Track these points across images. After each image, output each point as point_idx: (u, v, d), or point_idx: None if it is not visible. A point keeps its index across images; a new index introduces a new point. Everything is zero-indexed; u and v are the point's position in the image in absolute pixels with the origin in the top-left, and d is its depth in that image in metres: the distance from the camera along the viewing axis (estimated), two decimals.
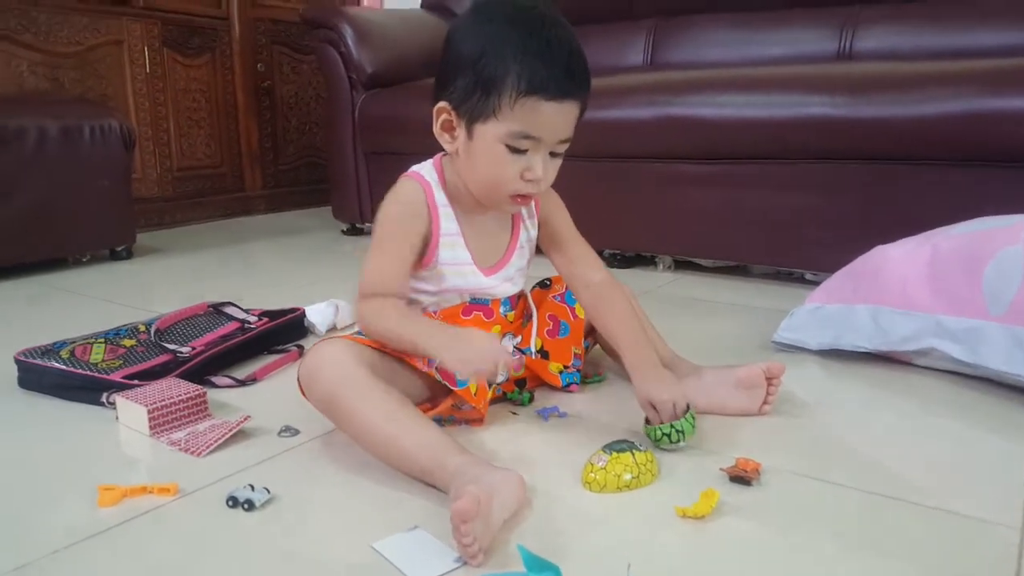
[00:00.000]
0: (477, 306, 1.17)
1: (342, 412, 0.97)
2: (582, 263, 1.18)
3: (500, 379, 1.09)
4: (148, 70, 2.89)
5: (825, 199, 1.85)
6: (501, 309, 1.19)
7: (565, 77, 0.97)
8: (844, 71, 1.92)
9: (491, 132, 0.99)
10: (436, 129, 1.05)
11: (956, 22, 2.13)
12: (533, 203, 1.18)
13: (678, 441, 1.01)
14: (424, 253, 1.10)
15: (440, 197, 1.10)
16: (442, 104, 1.03)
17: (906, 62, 1.89)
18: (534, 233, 1.20)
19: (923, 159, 1.71)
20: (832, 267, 1.50)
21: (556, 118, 0.99)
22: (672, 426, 1.01)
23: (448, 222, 1.10)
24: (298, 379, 1.03)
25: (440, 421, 1.08)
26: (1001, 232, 1.26)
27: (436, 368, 1.04)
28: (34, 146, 2.12)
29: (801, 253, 1.91)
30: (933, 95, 1.67)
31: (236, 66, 3.22)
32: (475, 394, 1.08)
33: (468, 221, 1.11)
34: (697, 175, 2.01)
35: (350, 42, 2.59)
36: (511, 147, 0.99)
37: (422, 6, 3.09)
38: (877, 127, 1.72)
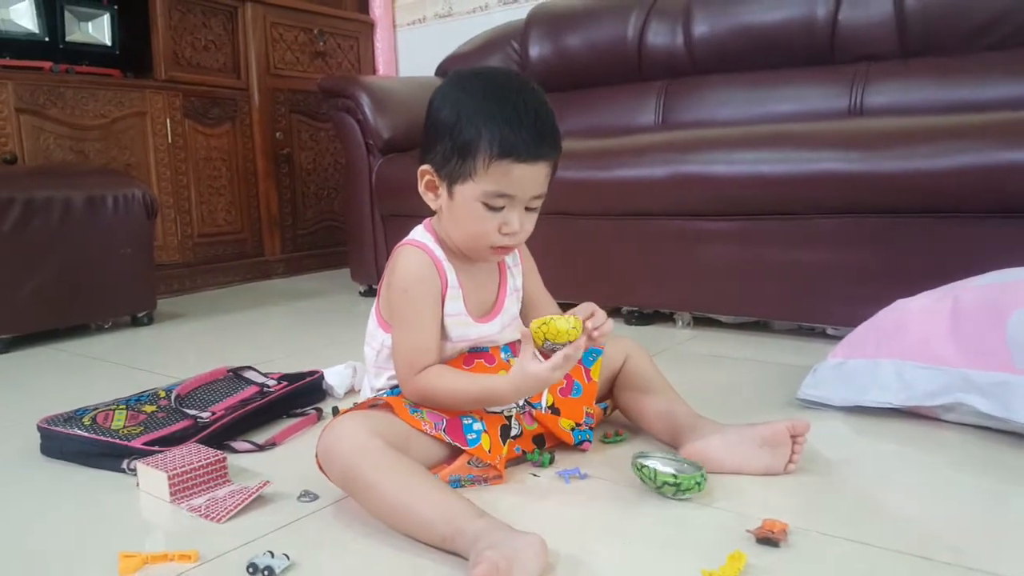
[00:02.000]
0: (477, 354, 1.20)
1: (359, 486, 0.97)
2: (543, 310, 1.27)
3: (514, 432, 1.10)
4: (170, 140, 2.96)
5: (843, 254, 1.84)
6: (502, 355, 1.22)
7: (533, 140, 1.05)
8: (856, 126, 1.93)
9: (469, 192, 1.08)
10: (421, 189, 1.15)
11: (962, 76, 2.15)
12: (517, 253, 1.27)
13: (675, 494, 1.03)
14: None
15: (440, 253, 1.16)
16: (425, 167, 1.13)
17: (917, 116, 1.91)
18: (519, 280, 1.27)
19: (940, 212, 1.71)
20: (853, 321, 1.49)
21: (527, 178, 1.07)
22: (676, 480, 1.02)
23: (451, 275, 1.16)
24: (316, 456, 1.04)
25: (459, 482, 1.08)
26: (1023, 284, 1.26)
27: (444, 431, 1.08)
28: (60, 216, 2.16)
29: (821, 308, 1.90)
30: (947, 148, 1.68)
31: (255, 134, 3.29)
32: (489, 451, 1.09)
33: (463, 272, 1.18)
34: (714, 232, 2.02)
35: (367, 109, 2.65)
36: (488, 205, 1.08)
37: (436, 73, 3.16)
38: (892, 181, 1.73)
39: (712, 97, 2.58)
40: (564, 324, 1.02)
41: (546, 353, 1.04)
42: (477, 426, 1.10)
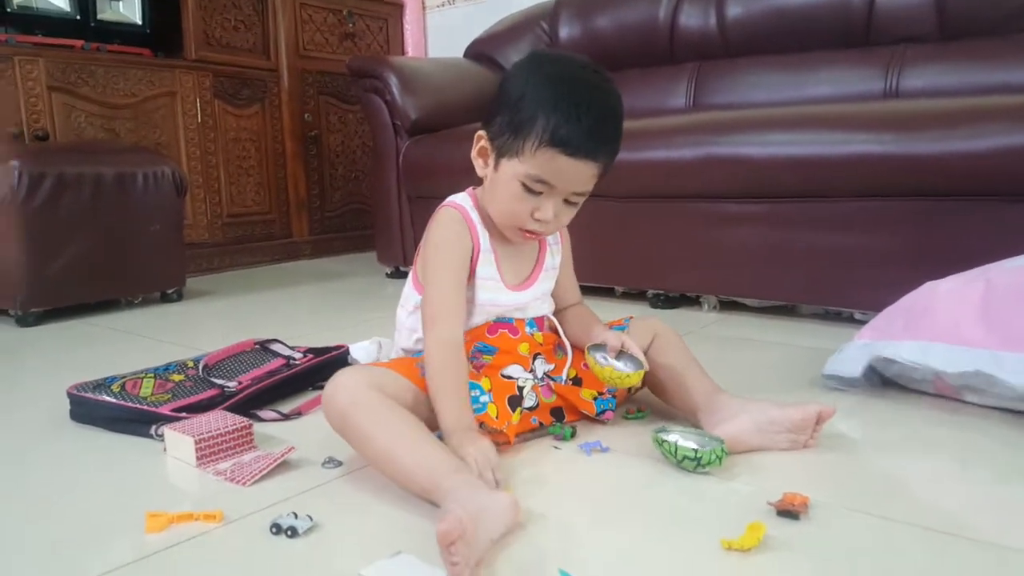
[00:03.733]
0: (503, 324, 1.21)
1: (353, 434, 1.01)
2: (569, 293, 1.33)
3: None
4: (200, 120, 2.99)
5: (874, 237, 1.82)
6: (527, 328, 1.23)
7: (586, 138, 1.05)
8: (889, 108, 1.90)
9: (513, 169, 1.09)
10: (473, 153, 1.16)
11: (1002, 59, 2.11)
12: (558, 233, 1.28)
13: (696, 468, 1.03)
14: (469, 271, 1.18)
15: (476, 218, 1.19)
16: (481, 132, 1.15)
17: (954, 98, 1.87)
18: (558, 260, 1.29)
19: (973, 195, 1.69)
20: (881, 306, 1.46)
21: (571, 171, 1.07)
22: (697, 454, 1.02)
23: (484, 240, 1.18)
24: (323, 410, 1.06)
25: None
26: None
27: None
28: (91, 192, 2.19)
29: (850, 292, 1.88)
30: (983, 130, 1.65)
31: (284, 116, 3.30)
32: (496, 417, 1.10)
33: (498, 240, 1.20)
34: (742, 214, 2.00)
35: (395, 90, 2.65)
36: (527, 187, 1.09)
37: (465, 55, 3.15)
38: (925, 164, 1.70)
39: (744, 80, 2.56)
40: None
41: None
42: (484, 397, 1.12)
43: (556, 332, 1.28)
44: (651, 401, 1.31)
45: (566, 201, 1.12)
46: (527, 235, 1.16)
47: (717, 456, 1.03)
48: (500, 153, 1.11)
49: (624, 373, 1.16)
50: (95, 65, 2.68)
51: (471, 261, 1.17)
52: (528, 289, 1.23)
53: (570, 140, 1.04)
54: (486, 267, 1.18)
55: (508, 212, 1.13)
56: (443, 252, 1.16)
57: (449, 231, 1.17)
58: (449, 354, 1.09)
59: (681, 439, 1.07)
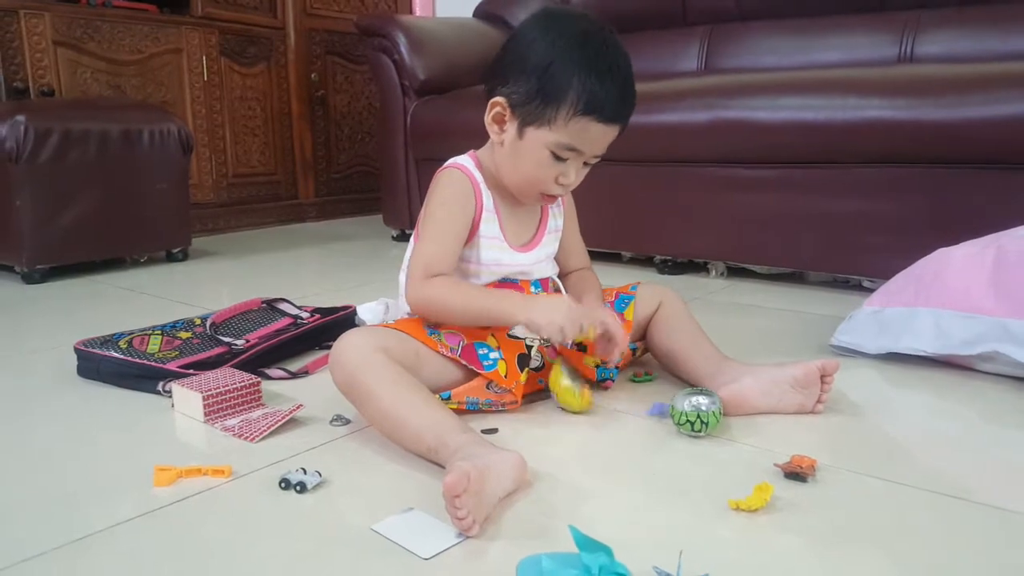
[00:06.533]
0: (508, 284, 1.21)
1: (359, 395, 1.00)
2: (574, 257, 1.33)
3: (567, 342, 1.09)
4: (206, 78, 2.96)
5: (885, 204, 1.80)
6: (532, 289, 1.23)
7: (619, 103, 1.06)
8: (904, 73, 1.88)
9: (542, 138, 1.08)
10: (487, 119, 1.13)
11: (1018, 25, 2.08)
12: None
13: (700, 431, 1.02)
14: (470, 230, 1.17)
15: (479, 177, 1.18)
16: (499, 99, 1.11)
17: (969, 64, 1.85)
18: (561, 222, 1.29)
19: (986, 162, 1.67)
20: (891, 274, 1.45)
21: (601, 137, 1.08)
22: (699, 416, 1.02)
23: (487, 199, 1.18)
24: (330, 369, 1.06)
25: (477, 405, 1.10)
26: None
27: (460, 354, 1.09)
28: (97, 149, 2.18)
29: (859, 260, 1.87)
30: (998, 97, 1.62)
31: (291, 75, 3.27)
32: (505, 376, 1.10)
33: (501, 200, 1.20)
34: (752, 180, 1.98)
35: (403, 49, 2.62)
36: (556, 155, 1.08)
37: (474, 15, 3.11)
38: (938, 130, 1.68)
39: (757, 44, 2.53)
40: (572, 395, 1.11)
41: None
42: (494, 355, 1.11)
43: (560, 294, 1.28)
44: (659, 366, 1.30)
45: (585, 163, 1.12)
46: (546, 198, 1.17)
47: (714, 414, 1.02)
48: (526, 121, 1.08)
49: (574, 395, 1.11)
50: (101, 20, 2.65)
51: (474, 220, 1.16)
52: (532, 251, 1.23)
53: (604, 106, 1.04)
54: (490, 225, 1.18)
55: (532, 178, 1.12)
56: (447, 208, 1.15)
57: (454, 189, 1.16)
58: (454, 281, 1.13)
59: (680, 403, 1.06)
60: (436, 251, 1.13)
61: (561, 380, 1.11)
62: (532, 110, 1.07)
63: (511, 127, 1.11)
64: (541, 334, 1.05)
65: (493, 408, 1.11)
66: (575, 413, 1.12)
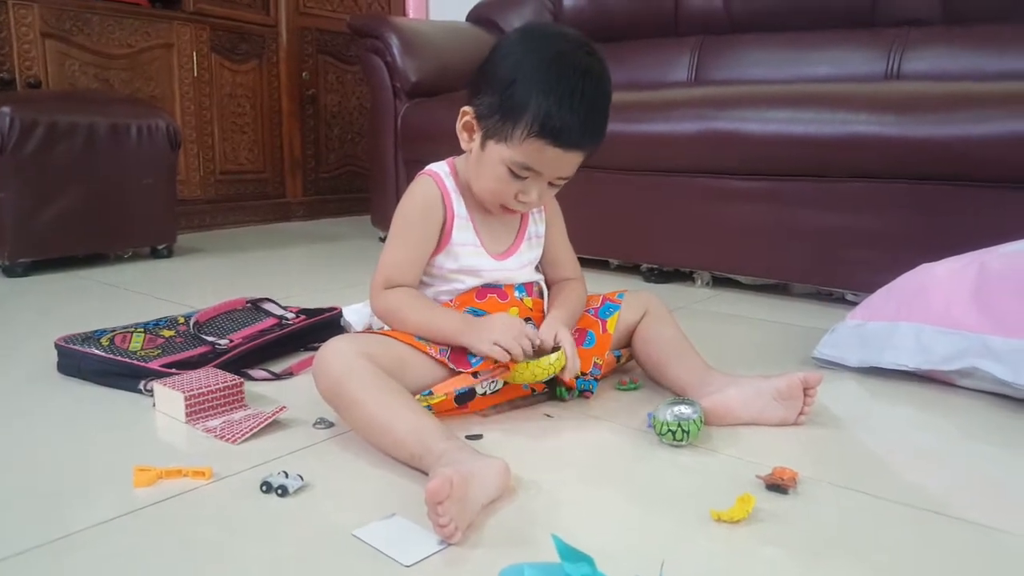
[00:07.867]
0: (491, 289, 1.22)
1: (344, 402, 1.00)
2: (559, 267, 1.31)
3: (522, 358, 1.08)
4: (195, 74, 2.95)
5: (870, 219, 1.82)
6: (516, 293, 1.23)
7: (577, 130, 1.05)
8: (893, 89, 1.89)
9: (499, 153, 1.08)
10: (458, 126, 1.15)
11: (1004, 46, 2.10)
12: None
13: (681, 440, 1.02)
14: (441, 238, 1.17)
15: (452, 185, 1.19)
16: (468, 108, 1.13)
17: (955, 83, 1.87)
18: (542, 228, 1.28)
19: (971, 180, 1.68)
20: (875, 288, 1.46)
21: (558, 160, 1.07)
22: (679, 425, 1.02)
23: (459, 207, 1.18)
24: (313, 376, 1.05)
25: (472, 393, 1.10)
26: None
27: (448, 357, 1.09)
28: (83, 142, 2.16)
29: (844, 273, 1.88)
30: (984, 115, 1.64)
31: (282, 73, 3.27)
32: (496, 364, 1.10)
33: (476, 209, 1.20)
34: (739, 191, 1.99)
35: (395, 51, 2.62)
36: (513, 172, 1.08)
37: (468, 19, 3.12)
38: (926, 147, 1.70)
39: (747, 56, 2.54)
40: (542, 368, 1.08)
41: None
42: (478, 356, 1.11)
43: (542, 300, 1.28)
44: (643, 373, 1.31)
45: (550, 184, 1.12)
46: (507, 211, 1.17)
47: (695, 423, 1.02)
48: (487, 134, 1.09)
49: (540, 366, 1.08)
50: (91, 13, 2.63)
51: (445, 228, 1.17)
52: (511, 258, 1.23)
53: (560, 132, 1.03)
54: (464, 232, 1.18)
55: (491, 191, 1.13)
56: (411, 217, 1.17)
57: (414, 200, 1.18)
58: (411, 294, 1.15)
59: (662, 414, 1.06)
60: (394, 260, 1.16)
61: (526, 373, 1.08)
62: (493, 124, 1.08)
63: (477, 138, 1.12)
64: (481, 355, 1.07)
65: (491, 375, 1.09)
66: (556, 377, 1.12)
